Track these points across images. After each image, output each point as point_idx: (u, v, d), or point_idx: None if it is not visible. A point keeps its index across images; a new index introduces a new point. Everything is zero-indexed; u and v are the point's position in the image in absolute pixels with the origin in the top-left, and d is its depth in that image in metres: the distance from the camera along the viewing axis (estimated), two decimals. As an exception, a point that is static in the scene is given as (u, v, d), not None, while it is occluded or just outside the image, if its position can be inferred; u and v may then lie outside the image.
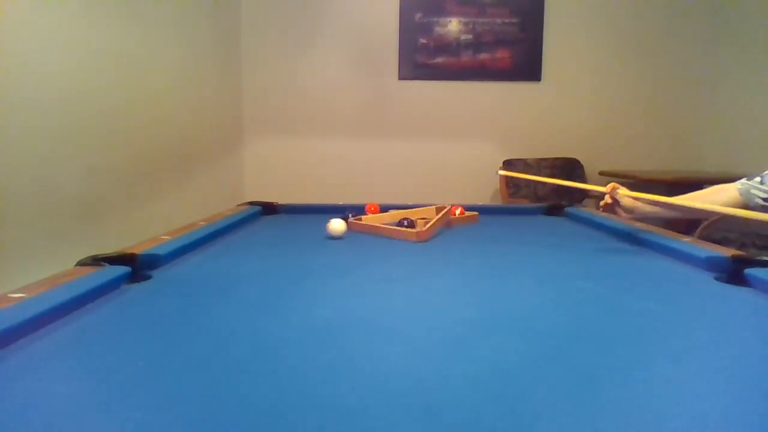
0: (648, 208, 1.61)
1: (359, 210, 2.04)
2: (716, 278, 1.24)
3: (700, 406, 0.65)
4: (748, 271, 1.19)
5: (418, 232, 1.70)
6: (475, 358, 0.79)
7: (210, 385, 0.69)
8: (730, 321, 0.99)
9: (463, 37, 4.12)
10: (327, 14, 4.14)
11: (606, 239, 1.76)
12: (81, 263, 1.19)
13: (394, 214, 2.00)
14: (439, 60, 4.15)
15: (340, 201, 2.45)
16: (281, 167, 4.25)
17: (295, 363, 0.77)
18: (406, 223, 1.80)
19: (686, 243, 1.50)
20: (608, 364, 0.77)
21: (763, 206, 1.51)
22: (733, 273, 1.23)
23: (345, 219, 1.77)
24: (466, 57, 4.15)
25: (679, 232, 1.62)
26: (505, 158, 4.13)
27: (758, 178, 1.53)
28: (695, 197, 1.58)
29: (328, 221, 1.70)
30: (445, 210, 1.91)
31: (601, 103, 4.24)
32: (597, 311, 1.04)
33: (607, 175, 4.07)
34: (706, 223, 2.98)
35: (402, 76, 4.17)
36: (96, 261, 1.18)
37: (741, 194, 1.54)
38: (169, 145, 3.18)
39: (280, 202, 2.26)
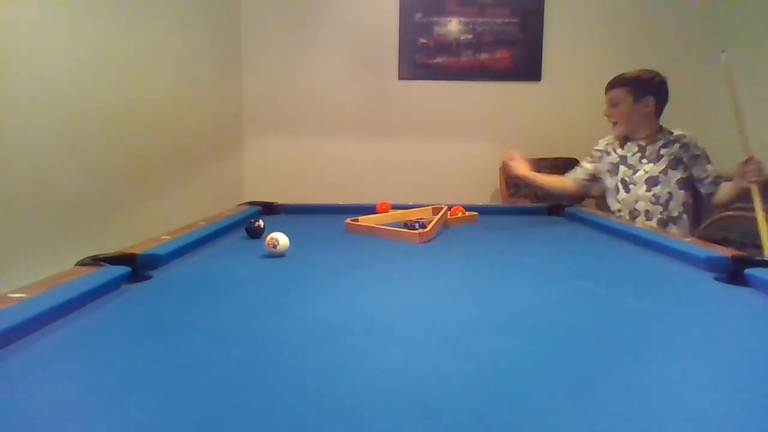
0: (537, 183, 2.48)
1: (363, 211, 2.04)
2: (716, 278, 1.24)
3: (699, 406, 0.64)
4: (748, 271, 1.19)
5: (420, 233, 1.70)
6: (474, 357, 0.79)
7: (210, 385, 0.69)
8: (729, 321, 0.99)
9: (463, 37, 4.12)
10: (327, 14, 4.14)
11: (606, 239, 1.76)
12: (81, 263, 1.19)
13: (392, 215, 2.00)
14: (439, 60, 4.15)
15: (340, 201, 2.46)
16: (281, 167, 4.25)
17: (295, 363, 0.76)
18: (417, 225, 1.79)
19: (686, 243, 1.50)
20: (608, 364, 0.77)
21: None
22: (733, 273, 1.23)
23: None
24: (466, 57, 4.15)
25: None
26: (505, 158, 4.13)
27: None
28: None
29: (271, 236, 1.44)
30: (443, 210, 1.91)
31: (601, 103, 4.22)
32: (597, 311, 1.04)
33: (607, 175, 4.07)
34: (706, 222, 2.98)
35: (402, 76, 4.17)
36: (96, 261, 1.18)
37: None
38: (169, 145, 3.18)
39: (280, 202, 2.26)
